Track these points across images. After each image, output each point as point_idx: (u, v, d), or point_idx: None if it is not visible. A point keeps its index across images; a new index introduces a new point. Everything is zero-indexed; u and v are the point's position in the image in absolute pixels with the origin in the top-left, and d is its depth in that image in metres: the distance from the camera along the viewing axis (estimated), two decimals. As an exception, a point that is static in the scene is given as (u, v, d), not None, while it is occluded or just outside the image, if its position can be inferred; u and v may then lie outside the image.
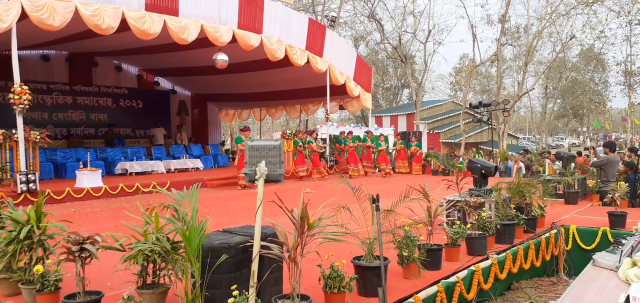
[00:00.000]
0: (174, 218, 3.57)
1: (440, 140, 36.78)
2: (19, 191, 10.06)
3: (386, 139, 18.51)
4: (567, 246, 7.05)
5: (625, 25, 33.71)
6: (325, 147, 18.26)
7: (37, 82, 17.06)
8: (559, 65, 40.47)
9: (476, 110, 24.39)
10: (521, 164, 17.27)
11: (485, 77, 46.67)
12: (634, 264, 3.92)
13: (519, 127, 68.64)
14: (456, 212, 6.59)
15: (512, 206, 6.70)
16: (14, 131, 10.68)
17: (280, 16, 14.78)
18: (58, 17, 9.99)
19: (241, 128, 14.42)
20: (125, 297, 3.38)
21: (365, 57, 35.24)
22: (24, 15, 9.74)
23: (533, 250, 6.32)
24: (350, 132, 17.73)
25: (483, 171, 6.97)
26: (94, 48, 16.82)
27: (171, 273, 3.73)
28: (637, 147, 16.83)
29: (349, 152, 16.90)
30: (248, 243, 3.60)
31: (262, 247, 3.50)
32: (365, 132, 18.40)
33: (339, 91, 18.21)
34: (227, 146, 29.56)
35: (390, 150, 19.04)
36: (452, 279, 4.76)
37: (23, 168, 10.38)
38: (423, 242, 4.94)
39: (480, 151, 23.17)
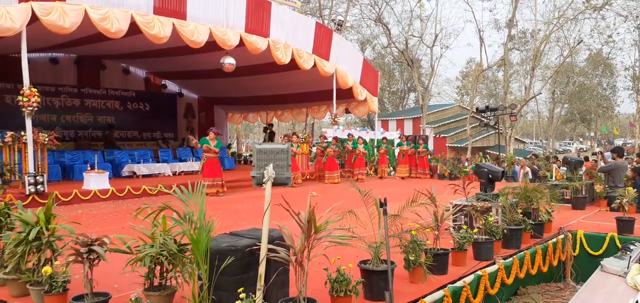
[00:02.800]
0: (181, 219, 3.59)
1: (447, 145, 36.66)
2: (27, 192, 10.14)
3: (366, 142, 18.02)
4: (574, 251, 7.01)
5: (634, 30, 33.53)
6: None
7: (46, 84, 17.21)
8: (567, 70, 40.27)
9: (483, 114, 24.31)
10: (527, 169, 17.18)
11: (492, 81, 46.53)
12: (643, 270, 3.90)
13: (526, 131, 68.34)
14: (463, 216, 6.57)
15: (519, 211, 6.68)
16: (22, 133, 10.77)
17: (287, 20, 14.83)
18: (68, 19, 10.08)
19: (211, 129, 12.90)
20: (132, 299, 3.39)
21: (372, 61, 35.26)
22: (34, 18, 9.84)
23: (540, 255, 6.29)
24: (321, 136, 16.85)
25: (490, 176, 6.95)
26: (102, 51, 16.95)
27: (178, 276, 3.75)
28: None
29: (327, 157, 15.98)
30: (255, 246, 3.61)
31: (269, 250, 3.51)
32: (347, 135, 17.63)
33: (346, 95, 18.21)
34: (234, 149, 29.66)
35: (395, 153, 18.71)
36: (459, 284, 4.75)
37: (31, 170, 10.46)
38: (430, 246, 4.93)
39: (487, 156, 23.07)
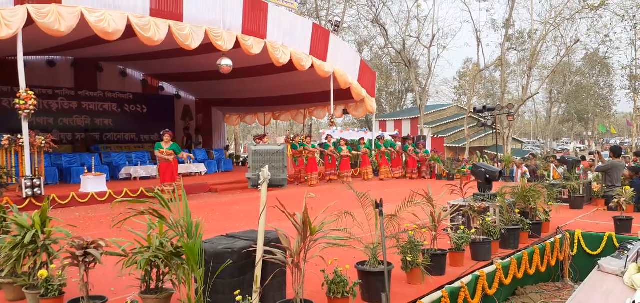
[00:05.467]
0: (169, 225, 3.57)
1: (445, 145, 36.69)
2: (24, 196, 10.10)
3: (357, 143, 17.62)
4: (572, 251, 7.01)
5: (630, 29, 33.60)
6: None
7: (43, 87, 17.18)
8: (564, 70, 40.33)
9: (480, 114, 24.35)
10: (525, 168, 17.20)
11: (489, 81, 46.56)
12: (640, 270, 3.90)
13: (523, 131, 68.40)
14: (460, 216, 6.56)
15: (517, 211, 6.68)
16: (19, 136, 10.74)
17: (284, 21, 14.83)
18: (64, 23, 10.05)
19: (164, 132, 11.78)
20: (129, 302, 3.38)
21: (369, 62, 35.25)
22: (30, 21, 9.81)
23: (538, 255, 6.29)
24: (308, 136, 16.41)
25: (487, 176, 6.95)
26: (99, 53, 16.93)
27: (175, 278, 3.73)
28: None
29: (309, 159, 15.45)
30: (251, 248, 3.60)
31: (265, 252, 3.50)
32: (325, 137, 16.99)
33: (344, 96, 18.21)
34: (232, 151, 29.63)
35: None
36: (457, 284, 4.74)
37: (28, 173, 10.43)
38: (427, 247, 4.92)
39: (485, 156, 23.11)
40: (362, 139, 17.80)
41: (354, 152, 17.05)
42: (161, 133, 11.85)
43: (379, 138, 17.99)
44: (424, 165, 17.62)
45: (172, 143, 11.67)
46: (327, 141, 16.77)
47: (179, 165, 16.65)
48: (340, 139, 17.13)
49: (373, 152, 17.74)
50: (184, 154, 12.42)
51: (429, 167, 17.63)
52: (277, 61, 14.42)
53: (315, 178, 15.38)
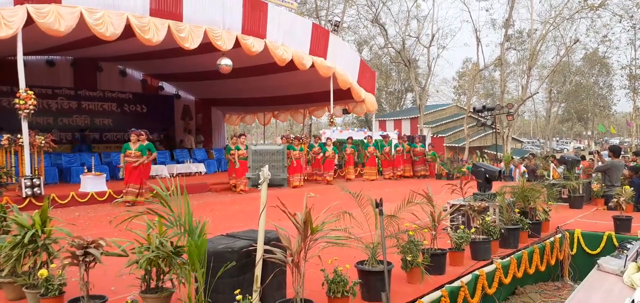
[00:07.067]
0: (171, 223, 3.57)
1: (444, 144, 36.68)
2: (24, 195, 10.10)
3: (341, 143, 17.37)
4: (572, 250, 7.01)
5: (629, 29, 33.64)
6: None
7: (43, 87, 17.17)
8: (563, 69, 40.36)
9: (480, 114, 24.35)
10: (523, 168, 17.20)
11: (489, 81, 46.57)
12: (639, 269, 3.91)
13: (523, 131, 68.43)
14: (460, 216, 6.57)
15: (517, 210, 6.68)
16: (19, 136, 10.74)
17: (284, 21, 14.82)
18: (64, 23, 10.05)
19: (131, 131, 11.44)
20: (129, 301, 3.38)
21: (369, 62, 35.25)
22: (29, 21, 9.81)
23: (538, 254, 6.30)
24: (295, 137, 16.23)
25: (487, 175, 6.96)
26: (98, 53, 16.92)
27: (175, 277, 3.74)
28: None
29: (293, 159, 15.14)
30: (251, 248, 3.60)
31: (265, 251, 3.50)
32: (313, 137, 16.90)
33: (344, 95, 18.20)
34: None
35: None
36: (456, 284, 4.74)
37: (28, 172, 10.43)
38: (427, 246, 4.93)
39: (485, 155, 23.11)
40: (350, 138, 17.45)
41: (330, 154, 16.21)
42: (129, 131, 11.38)
43: (367, 137, 17.88)
44: (422, 160, 17.57)
45: (140, 144, 11.14)
46: (313, 141, 16.69)
47: (179, 165, 16.75)
48: (328, 138, 16.68)
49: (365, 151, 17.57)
50: (152, 156, 11.49)
51: (426, 162, 17.60)
52: (280, 59, 14.41)
53: (295, 179, 14.98)
